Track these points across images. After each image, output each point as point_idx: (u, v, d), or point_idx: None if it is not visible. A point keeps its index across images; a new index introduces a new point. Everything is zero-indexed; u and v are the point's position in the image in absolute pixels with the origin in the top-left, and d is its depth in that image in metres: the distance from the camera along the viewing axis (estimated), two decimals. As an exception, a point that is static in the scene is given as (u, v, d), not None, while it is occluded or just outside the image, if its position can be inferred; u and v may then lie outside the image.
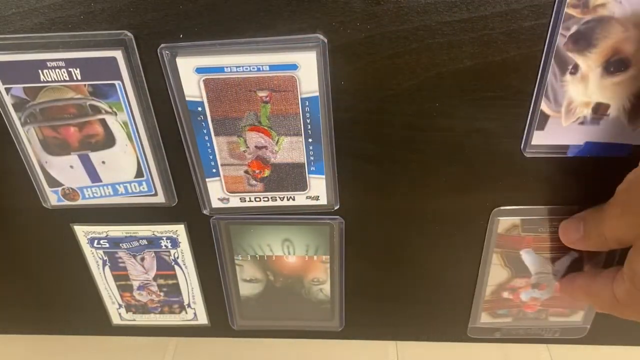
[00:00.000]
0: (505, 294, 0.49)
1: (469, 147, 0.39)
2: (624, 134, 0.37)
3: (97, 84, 0.37)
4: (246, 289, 0.51)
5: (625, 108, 0.36)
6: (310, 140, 0.39)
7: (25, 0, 0.34)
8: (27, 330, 0.58)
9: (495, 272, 0.47)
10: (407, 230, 0.45)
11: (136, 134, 0.39)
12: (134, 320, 0.55)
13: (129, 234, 0.47)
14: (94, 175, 0.42)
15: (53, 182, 0.42)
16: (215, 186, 0.42)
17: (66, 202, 0.44)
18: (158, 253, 0.49)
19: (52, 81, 0.37)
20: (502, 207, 0.43)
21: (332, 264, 0.48)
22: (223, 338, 0.56)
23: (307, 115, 0.37)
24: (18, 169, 0.42)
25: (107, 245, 0.48)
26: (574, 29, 0.33)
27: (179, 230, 0.47)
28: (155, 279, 0.51)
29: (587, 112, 0.37)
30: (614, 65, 0.34)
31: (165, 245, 0.48)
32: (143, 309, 0.54)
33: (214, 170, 0.41)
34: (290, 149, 0.39)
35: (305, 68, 0.35)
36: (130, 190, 0.43)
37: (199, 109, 0.38)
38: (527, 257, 0.46)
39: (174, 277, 0.50)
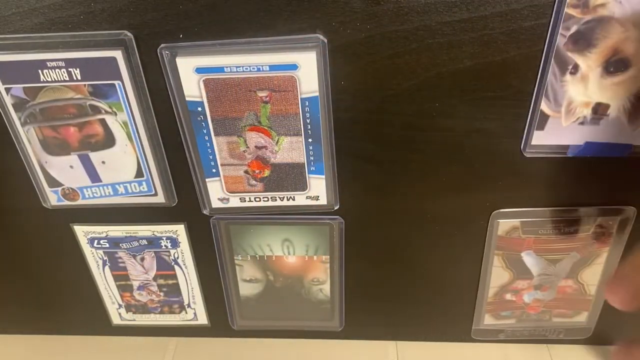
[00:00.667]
0: (508, 296, 0.49)
1: (469, 147, 0.39)
2: (624, 134, 0.37)
3: (97, 84, 0.37)
4: (246, 289, 0.51)
5: (625, 108, 0.36)
6: (310, 140, 0.39)
7: (25, 0, 0.34)
8: (27, 330, 0.58)
9: (497, 274, 0.47)
10: (407, 230, 0.45)
11: (136, 134, 0.39)
12: (134, 320, 0.55)
13: (129, 234, 0.47)
14: (94, 175, 0.42)
15: (53, 182, 0.42)
16: (215, 186, 0.42)
17: (66, 202, 0.44)
18: (158, 253, 0.49)
19: (52, 81, 0.37)
20: (501, 210, 0.43)
21: (332, 264, 0.48)
22: (223, 338, 0.56)
23: (307, 115, 0.37)
24: (18, 169, 0.42)
25: (107, 245, 0.48)
26: (574, 29, 0.33)
27: (179, 230, 0.47)
28: (155, 279, 0.51)
29: (587, 112, 0.37)
30: (614, 65, 0.34)
31: (165, 245, 0.48)
32: (143, 309, 0.54)
33: (214, 170, 0.41)
34: (290, 149, 0.39)
35: (305, 68, 0.35)
36: (130, 190, 0.43)
37: (199, 109, 0.38)
38: (529, 259, 0.46)
39: (174, 277, 0.50)
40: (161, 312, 0.54)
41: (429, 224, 0.44)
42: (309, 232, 0.46)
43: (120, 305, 0.54)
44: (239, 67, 0.35)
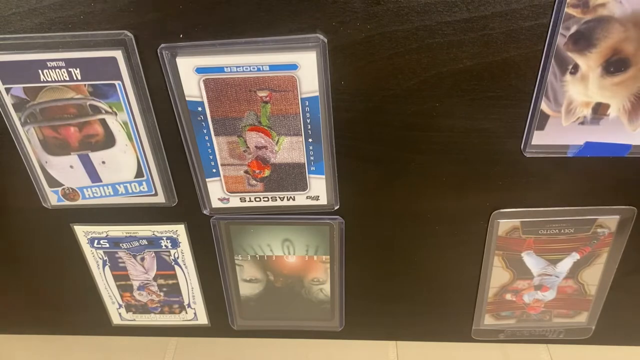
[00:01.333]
0: (508, 296, 0.49)
1: (469, 147, 0.39)
2: (623, 134, 0.37)
3: (97, 84, 0.37)
4: (246, 289, 0.51)
5: (625, 108, 0.36)
6: (310, 140, 0.39)
7: (25, 0, 0.34)
8: (27, 330, 0.58)
9: (497, 274, 0.47)
10: (407, 230, 0.45)
11: (136, 134, 0.39)
12: (134, 320, 0.55)
13: (129, 234, 0.47)
14: (94, 175, 0.42)
15: (53, 182, 0.42)
16: (215, 186, 0.42)
17: (66, 202, 0.44)
18: (158, 253, 0.49)
19: (52, 81, 0.37)
20: (502, 210, 0.43)
21: (332, 264, 0.48)
22: (223, 338, 0.56)
23: (307, 115, 0.37)
24: (18, 169, 0.42)
25: (107, 245, 0.48)
26: (574, 28, 0.33)
27: (179, 230, 0.47)
28: (155, 279, 0.51)
29: (587, 112, 0.37)
30: (614, 65, 0.34)
31: (165, 245, 0.48)
32: (143, 309, 0.54)
33: (214, 170, 0.41)
34: (290, 149, 0.39)
35: (305, 68, 0.35)
36: (130, 190, 0.43)
37: (199, 109, 0.38)
38: (529, 259, 0.46)
39: (174, 277, 0.50)
40: (161, 312, 0.54)
41: (429, 224, 0.44)
42: (309, 232, 0.46)
43: (120, 305, 0.54)
44: (239, 67, 0.35)
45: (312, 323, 0.53)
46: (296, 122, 0.38)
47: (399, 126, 0.38)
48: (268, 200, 0.43)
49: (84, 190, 0.43)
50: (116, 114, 0.38)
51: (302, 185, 0.41)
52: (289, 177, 0.41)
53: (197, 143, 0.40)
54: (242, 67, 0.35)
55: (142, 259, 0.49)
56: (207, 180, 0.42)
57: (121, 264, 0.50)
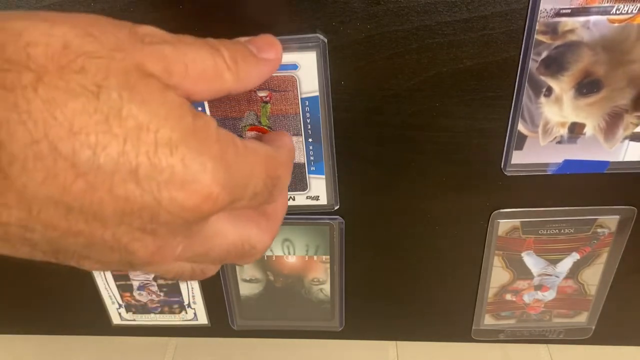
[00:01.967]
0: (508, 296, 0.49)
1: (469, 147, 0.39)
2: (601, 152, 0.38)
3: (97, 84, 0.37)
4: (246, 289, 0.51)
5: (600, 127, 0.37)
6: (310, 140, 0.39)
7: (25, 0, 0.34)
8: (27, 330, 0.58)
9: (497, 274, 0.47)
10: (407, 230, 0.45)
11: (136, 134, 0.39)
12: (134, 320, 0.55)
13: (129, 234, 0.47)
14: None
15: (53, 182, 0.42)
16: (215, 186, 0.42)
17: (66, 202, 0.44)
18: (158, 253, 0.48)
19: (52, 81, 0.37)
20: (502, 210, 0.43)
21: (332, 264, 0.48)
22: (223, 338, 0.56)
23: (307, 115, 0.37)
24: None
25: (107, 245, 0.48)
26: (544, 54, 0.34)
27: (179, 230, 0.47)
28: (155, 278, 0.51)
29: (564, 131, 0.37)
30: (586, 87, 0.35)
31: (165, 245, 0.48)
32: (143, 309, 0.54)
33: (214, 170, 0.41)
34: None
35: (305, 68, 0.35)
36: (130, 190, 0.43)
37: (199, 109, 0.38)
38: (529, 259, 0.46)
39: (174, 277, 0.50)
40: (161, 312, 0.54)
41: (429, 224, 0.44)
42: (309, 232, 0.46)
43: (120, 305, 0.54)
44: None
45: (312, 323, 0.53)
46: (296, 122, 0.38)
47: (399, 126, 0.38)
48: (268, 200, 0.43)
49: (84, 190, 0.43)
50: (116, 114, 0.38)
51: (302, 186, 0.41)
52: (289, 177, 0.41)
53: (197, 143, 0.40)
54: (242, 67, 0.35)
55: (142, 259, 0.49)
56: (207, 180, 0.42)
57: (121, 264, 0.50)
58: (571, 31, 0.33)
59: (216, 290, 0.51)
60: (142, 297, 0.52)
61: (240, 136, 0.39)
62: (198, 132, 0.20)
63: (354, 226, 0.45)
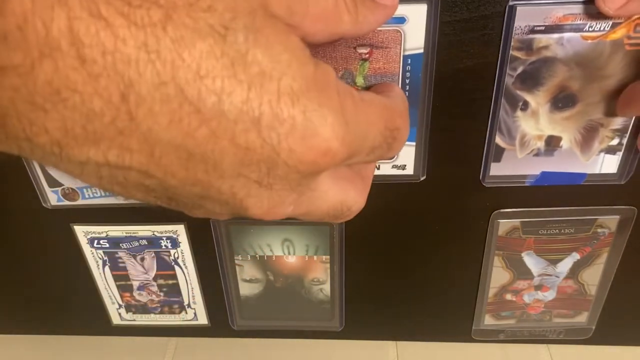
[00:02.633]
0: (508, 296, 0.49)
1: (469, 147, 0.39)
2: (578, 164, 0.38)
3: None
4: (246, 289, 0.51)
5: (576, 140, 0.37)
6: None
7: None
8: (27, 330, 0.58)
9: (497, 274, 0.47)
10: (407, 230, 0.45)
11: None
12: (134, 320, 0.55)
13: (129, 234, 0.47)
14: (94, 175, 0.42)
15: (53, 182, 0.42)
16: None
17: (66, 202, 0.44)
18: (158, 253, 0.49)
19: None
20: (502, 210, 0.43)
21: (332, 264, 0.48)
22: (223, 338, 0.56)
23: (407, 75, 0.35)
24: (18, 169, 0.42)
25: (107, 245, 0.48)
26: (520, 69, 0.34)
27: (179, 230, 0.47)
28: (155, 279, 0.51)
29: (541, 144, 0.38)
30: (561, 101, 0.35)
31: (165, 245, 0.48)
32: (143, 309, 0.54)
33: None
34: None
35: (413, 22, 0.32)
36: (130, 190, 0.43)
37: None
38: (529, 259, 0.46)
39: (174, 277, 0.50)
40: (161, 312, 0.54)
41: (429, 224, 0.44)
42: (309, 232, 0.46)
43: (120, 306, 0.54)
44: None
45: (312, 323, 0.53)
46: (393, 82, 0.35)
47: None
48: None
49: (84, 190, 0.43)
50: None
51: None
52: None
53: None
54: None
55: (142, 259, 0.49)
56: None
57: (121, 264, 0.50)
58: (546, 47, 0.33)
59: (216, 291, 0.51)
60: (142, 297, 0.52)
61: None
62: (319, 81, 0.19)
63: (354, 226, 0.45)
